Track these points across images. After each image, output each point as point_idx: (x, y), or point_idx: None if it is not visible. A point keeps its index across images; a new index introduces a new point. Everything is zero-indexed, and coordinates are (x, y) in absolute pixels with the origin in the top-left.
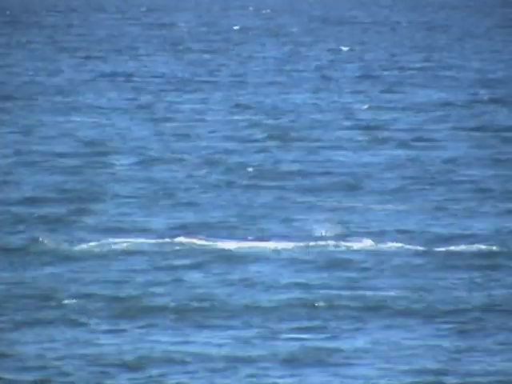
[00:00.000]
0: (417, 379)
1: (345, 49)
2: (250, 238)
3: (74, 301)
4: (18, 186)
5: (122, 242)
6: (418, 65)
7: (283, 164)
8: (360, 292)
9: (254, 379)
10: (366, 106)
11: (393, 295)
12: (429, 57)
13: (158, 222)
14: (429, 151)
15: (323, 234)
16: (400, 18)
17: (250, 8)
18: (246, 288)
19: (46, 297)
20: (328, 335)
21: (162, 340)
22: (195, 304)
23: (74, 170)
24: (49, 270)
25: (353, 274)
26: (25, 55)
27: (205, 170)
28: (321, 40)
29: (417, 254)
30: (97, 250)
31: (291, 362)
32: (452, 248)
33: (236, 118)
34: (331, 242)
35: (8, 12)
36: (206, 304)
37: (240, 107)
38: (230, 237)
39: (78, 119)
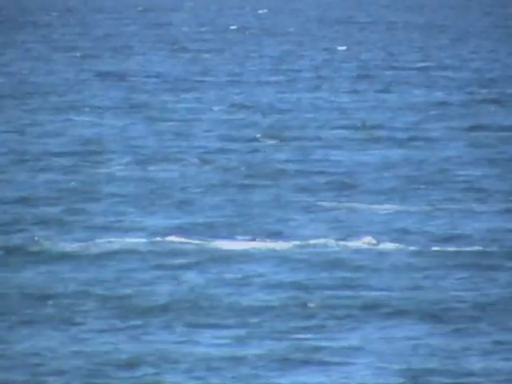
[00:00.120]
0: (413, 379)
1: (341, 48)
2: (246, 237)
3: (69, 300)
4: (13, 185)
5: (117, 242)
6: (415, 65)
7: (279, 163)
8: (356, 291)
9: (250, 378)
10: (362, 106)
11: (389, 295)
12: (425, 57)
13: (154, 222)
14: (425, 151)
15: (319, 233)
16: (397, 18)
17: (247, 8)
18: (242, 287)
19: (41, 296)
20: (324, 335)
21: (158, 339)
22: (191, 303)
23: (70, 169)
24: (43, 269)
25: (349, 274)
26: (20, 54)
27: (200, 169)
28: (317, 40)
29: (413, 253)
30: (92, 249)
31: (288, 361)
32: (448, 247)
33: (232, 117)
34: (327, 242)
35: (3, 11)
36: (201, 303)
37: (236, 106)
38: (226, 236)
39: (73, 118)
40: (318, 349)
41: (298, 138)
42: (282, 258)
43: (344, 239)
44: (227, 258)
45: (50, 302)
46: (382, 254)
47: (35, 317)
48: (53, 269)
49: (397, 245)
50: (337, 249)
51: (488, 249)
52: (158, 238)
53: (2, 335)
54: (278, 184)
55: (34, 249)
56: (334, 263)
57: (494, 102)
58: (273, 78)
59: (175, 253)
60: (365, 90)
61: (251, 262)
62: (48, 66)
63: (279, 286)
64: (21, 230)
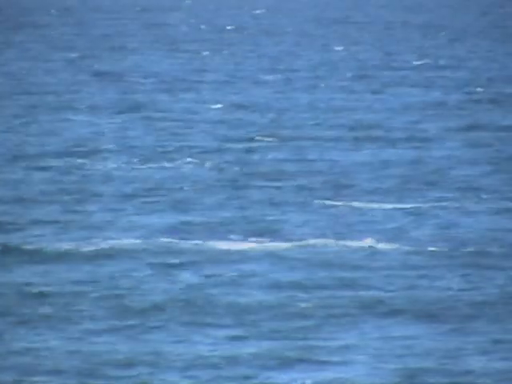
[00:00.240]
0: (410, 378)
1: (338, 48)
2: (242, 236)
3: (65, 299)
4: (9, 184)
5: (113, 241)
6: (412, 64)
7: (276, 163)
8: (353, 291)
9: (247, 377)
10: (359, 105)
11: (386, 294)
12: (422, 56)
13: (150, 221)
14: (422, 150)
15: (316, 232)
16: (394, 18)
17: (244, 8)
18: (239, 287)
19: (37, 295)
20: (321, 334)
21: (154, 338)
22: (187, 303)
23: (66, 168)
24: (39, 268)
25: (346, 273)
26: (18, 54)
27: (197, 168)
28: (315, 40)
29: (409, 252)
30: (89, 248)
31: (284, 360)
32: (444, 247)
33: (229, 116)
34: (324, 241)
35: (2, 11)
36: (198, 303)
37: (233, 106)
38: (223, 236)
39: (71, 118)
40: (315, 348)
41: (294, 138)
42: (278, 258)
43: (341, 239)
44: (224, 257)
45: (46, 302)
46: (379, 253)
47: (31, 316)
48: (49, 268)
49: (393, 244)
50: (333, 248)
51: (485, 248)
52: (155, 238)
53: None
54: (274, 183)
55: (30, 248)
56: (331, 263)
57: (492, 101)
58: (270, 78)
59: (172, 252)
60: (362, 89)
61: (248, 261)
62: (46, 65)
63: (276, 285)
64: (17, 230)
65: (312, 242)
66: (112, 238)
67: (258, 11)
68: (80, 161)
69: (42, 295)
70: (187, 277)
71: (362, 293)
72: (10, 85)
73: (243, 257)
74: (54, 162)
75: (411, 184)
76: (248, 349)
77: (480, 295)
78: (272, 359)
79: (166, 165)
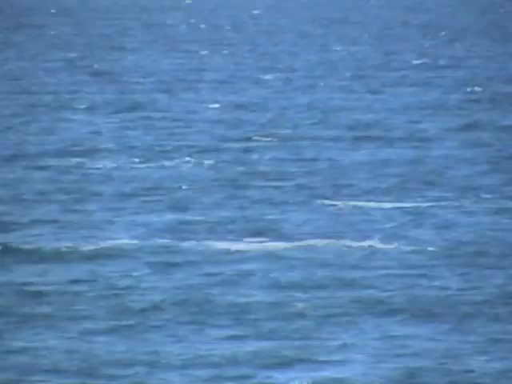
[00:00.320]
0: (408, 377)
1: (337, 48)
2: (240, 236)
3: (63, 299)
4: (7, 184)
5: (112, 240)
6: (412, 64)
7: (274, 162)
8: (352, 290)
9: (245, 376)
10: (357, 105)
11: (384, 293)
12: (421, 56)
13: (149, 220)
14: (420, 150)
15: (314, 232)
16: (394, 18)
17: (244, 8)
18: (237, 286)
19: (35, 295)
20: (321, 334)
21: (152, 338)
22: (186, 302)
23: (64, 167)
24: (37, 268)
25: (344, 272)
26: (16, 54)
27: (195, 168)
28: (313, 39)
29: (409, 252)
30: (87, 248)
31: (283, 359)
32: (443, 246)
33: (227, 116)
34: (322, 241)
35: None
36: (196, 302)
37: (231, 105)
38: (221, 235)
39: (68, 117)
40: (314, 347)
41: (293, 137)
42: (277, 257)
43: (340, 238)
44: (223, 256)
45: (45, 301)
46: (378, 252)
47: (30, 316)
48: (48, 268)
49: (392, 243)
50: (333, 248)
51: (484, 247)
52: (154, 237)
53: None
54: (273, 183)
55: (29, 248)
56: (330, 262)
57: (491, 101)
58: (269, 78)
59: (171, 252)
60: (361, 89)
61: (247, 260)
62: (45, 65)
63: (275, 284)
64: (16, 229)
65: (311, 241)
66: (111, 238)
67: (257, 11)
68: (79, 160)
69: (40, 294)
70: (186, 276)
71: (361, 292)
72: (10, 84)
73: (242, 256)
74: (53, 162)
75: (410, 183)
76: (247, 348)
77: (479, 295)
78: (271, 359)
79: (165, 164)
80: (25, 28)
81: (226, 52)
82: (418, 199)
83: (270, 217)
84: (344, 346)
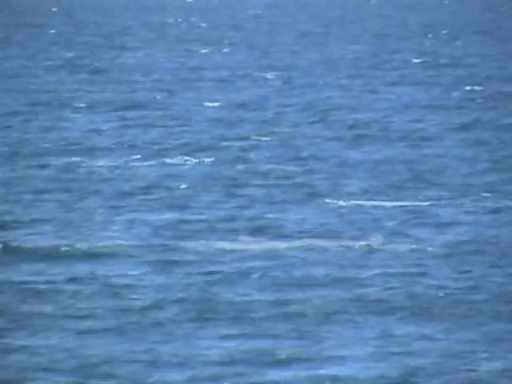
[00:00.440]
0: (407, 375)
1: (337, 46)
2: (239, 235)
3: (62, 298)
4: (6, 182)
5: (110, 239)
6: (412, 63)
7: (272, 161)
8: (352, 289)
9: (245, 376)
10: (356, 104)
11: (385, 292)
12: (422, 55)
13: (149, 219)
14: (420, 149)
15: (313, 230)
16: (394, 16)
17: (244, 6)
18: (237, 285)
19: (34, 294)
20: (320, 332)
21: (152, 337)
22: (184, 301)
23: (63, 166)
24: (37, 266)
25: (345, 271)
26: (16, 52)
27: (194, 166)
28: (313, 38)
29: (408, 251)
30: (85, 246)
31: (283, 358)
32: (442, 245)
33: (226, 114)
34: (323, 240)
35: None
36: (195, 301)
37: (230, 104)
38: (220, 234)
39: (69, 116)
40: (313, 345)
41: (293, 136)
42: (277, 256)
43: (339, 237)
44: (222, 255)
45: (44, 300)
46: (377, 251)
47: (28, 314)
48: (47, 266)
49: (392, 242)
50: (332, 246)
51: (484, 246)
52: (153, 236)
53: None
54: (273, 182)
55: (28, 246)
56: (329, 261)
57: (491, 100)
58: (268, 76)
59: (170, 250)
60: (360, 88)
61: (246, 259)
62: (45, 63)
63: (274, 283)
64: (15, 228)
65: (311, 240)
66: (110, 236)
67: (257, 10)
68: (78, 159)
69: (40, 293)
70: (185, 275)
71: (361, 291)
72: (10, 83)
73: (241, 255)
74: (52, 160)
75: (410, 182)
76: (246, 347)
77: (479, 293)
78: (270, 357)
79: (165, 163)
80: (25, 26)
81: (226, 51)
82: (418, 198)
83: (269, 215)
84: (343, 345)
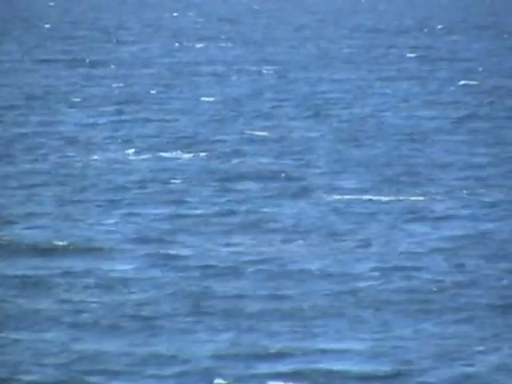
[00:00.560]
0: (408, 370)
1: (334, 41)
2: (237, 230)
3: (61, 297)
4: (3, 178)
5: (108, 234)
6: (408, 57)
7: (270, 156)
8: (350, 284)
9: (242, 370)
10: (354, 99)
11: (383, 287)
12: (418, 48)
13: (145, 213)
14: (419, 143)
15: (310, 227)
16: (390, 10)
17: (242, 0)
18: (233, 280)
19: (31, 291)
20: (317, 327)
21: (148, 332)
22: (182, 296)
23: (60, 162)
24: (34, 262)
25: (342, 267)
26: (14, 46)
27: (192, 161)
28: (309, 32)
29: (406, 246)
30: (82, 243)
31: (281, 353)
32: (442, 239)
33: (222, 110)
34: (319, 236)
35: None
36: (193, 296)
37: (226, 99)
38: (218, 228)
39: (66, 110)
40: (310, 340)
41: (289, 131)
42: (273, 251)
43: (335, 232)
44: (218, 250)
45: (41, 295)
46: (374, 245)
47: (25, 310)
48: (43, 261)
49: (389, 238)
50: (328, 242)
51: (483, 240)
52: (149, 230)
53: None
54: (268, 177)
55: (25, 241)
56: (326, 256)
57: (487, 94)
58: (265, 71)
59: (166, 244)
60: (357, 83)
61: (242, 254)
62: (40, 57)
63: (271, 278)
64: (11, 223)
65: (306, 235)
66: (106, 230)
67: (254, 4)
68: (74, 153)
69: (34, 287)
70: (180, 269)
71: (358, 285)
72: (5, 77)
73: (236, 249)
74: (48, 155)
75: (405, 177)
76: (241, 341)
77: (477, 288)
78: (265, 351)
79: (161, 157)
80: (21, 20)
81: (222, 45)
82: (414, 192)
83: (264, 210)
84: (338, 339)
